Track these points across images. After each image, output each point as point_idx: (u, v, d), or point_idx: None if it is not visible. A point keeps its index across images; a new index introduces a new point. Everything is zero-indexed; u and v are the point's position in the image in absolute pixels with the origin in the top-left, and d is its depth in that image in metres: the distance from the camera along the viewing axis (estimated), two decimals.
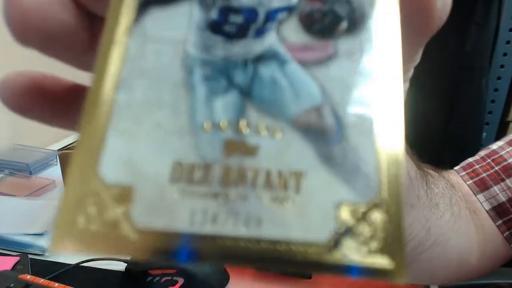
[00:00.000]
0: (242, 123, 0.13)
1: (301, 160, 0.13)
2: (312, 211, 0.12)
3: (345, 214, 0.12)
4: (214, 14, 0.15)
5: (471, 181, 0.38)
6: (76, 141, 0.13)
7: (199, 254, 0.12)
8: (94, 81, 0.14)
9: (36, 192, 0.81)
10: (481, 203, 0.37)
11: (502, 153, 0.39)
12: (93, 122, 0.13)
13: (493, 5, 0.60)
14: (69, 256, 0.63)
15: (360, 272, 0.12)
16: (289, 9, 0.15)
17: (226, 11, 0.15)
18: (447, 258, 0.33)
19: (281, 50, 0.14)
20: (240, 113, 0.13)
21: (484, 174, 0.38)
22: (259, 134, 0.13)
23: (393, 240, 0.12)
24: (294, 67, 0.14)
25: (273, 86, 0.14)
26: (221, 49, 0.14)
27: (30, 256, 0.65)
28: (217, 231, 0.12)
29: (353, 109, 0.13)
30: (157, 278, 0.54)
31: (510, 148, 0.39)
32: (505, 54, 0.65)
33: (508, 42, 0.70)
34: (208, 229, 0.12)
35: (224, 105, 0.14)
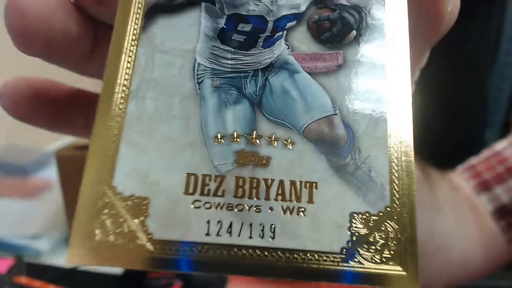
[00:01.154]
0: (254, 134, 0.13)
1: (313, 171, 0.13)
2: (325, 222, 0.12)
3: (358, 224, 0.12)
4: (222, 23, 0.15)
5: (473, 182, 0.38)
6: (88, 152, 0.13)
7: (216, 264, 0.12)
8: (104, 91, 0.14)
9: (32, 193, 0.80)
10: (484, 204, 0.37)
11: (505, 153, 0.39)
12: (105, 134, 0.13)
13: (497, 4, 0.60)
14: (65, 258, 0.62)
15: (373, 280, 0.12)
16: (297, 17, 0.15)
17: (235, 19, 0.15)
18: (449, 261, 0.32)
19: (291, 59, 0.14)
20: (252, 124, 0.14)
21: (487, 175, 0.38)
22: (271, 145, 0.13)
23: (406, 249, 0.12)
24: (304, 77, 0.14)
25: (283, 96, 0.14)
26: (231, 59, 0.14)
27: (26, 258, 0.64)
28: (232, 241, 0.12)
29: (364, 119, 0.13)
30: (155, 281, 0.54)
31: None
32: (508, 53, 0.64)
33: None
34: (223, 239, 0.12)
35: (235, 116, 0.14)
